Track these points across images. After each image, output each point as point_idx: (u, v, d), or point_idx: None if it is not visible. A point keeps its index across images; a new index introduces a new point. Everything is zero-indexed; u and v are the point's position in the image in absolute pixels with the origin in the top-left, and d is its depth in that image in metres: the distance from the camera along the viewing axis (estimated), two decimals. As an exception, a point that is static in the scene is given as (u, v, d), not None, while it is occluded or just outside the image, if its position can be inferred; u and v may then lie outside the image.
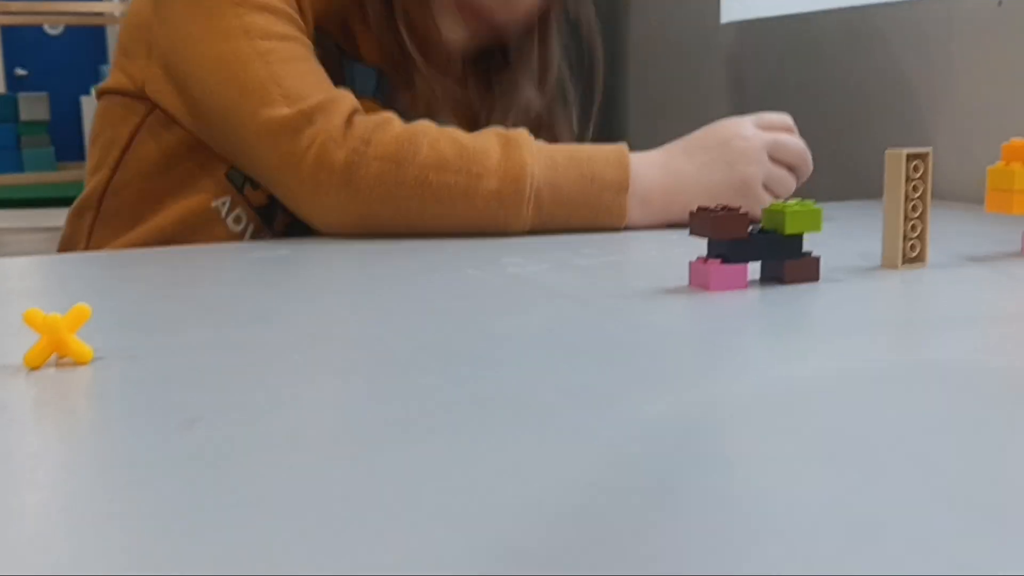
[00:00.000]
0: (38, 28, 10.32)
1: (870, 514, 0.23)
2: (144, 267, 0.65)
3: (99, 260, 0.70)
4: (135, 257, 0.70)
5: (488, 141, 0.74)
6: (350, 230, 0.74)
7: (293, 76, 0.74)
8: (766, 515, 0.24)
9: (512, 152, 0.73)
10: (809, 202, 0.52)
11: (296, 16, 0.78)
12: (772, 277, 0.52)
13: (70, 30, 10.63)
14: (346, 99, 0.75)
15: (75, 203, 0.86)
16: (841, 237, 0.66)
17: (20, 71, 10.18)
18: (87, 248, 0.84)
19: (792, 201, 0.51)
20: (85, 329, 0.39)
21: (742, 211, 0.50)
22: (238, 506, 0.25)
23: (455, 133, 0.74)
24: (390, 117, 0.74)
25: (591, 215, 0.74)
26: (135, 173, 0.82)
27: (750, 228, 0.51)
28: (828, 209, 0.58)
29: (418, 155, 0.72)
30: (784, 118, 0.80)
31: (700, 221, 0.50)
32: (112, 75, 0.83)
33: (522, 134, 0.75)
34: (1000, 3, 0.87)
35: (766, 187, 0.76)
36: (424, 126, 0.74)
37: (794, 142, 0.78)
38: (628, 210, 0.75)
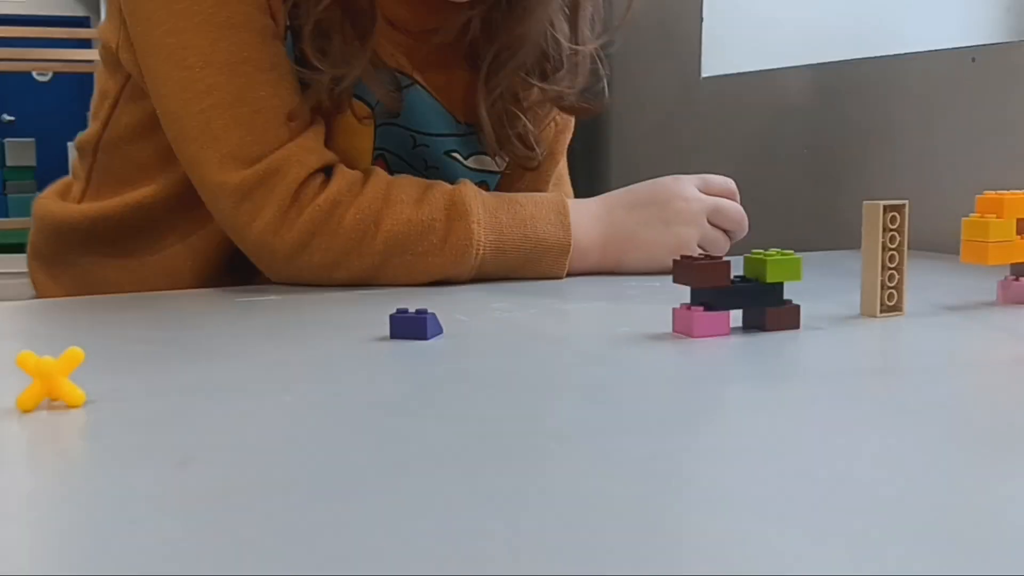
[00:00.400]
0: (27, 75, 10.39)
1: (849, 559, 0.24)
2: (131, 311, 0.65)
3: (87, 304, 0.70)
4: (122, 301, 0.70)
5: (435, 211, 0.72)
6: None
7: (229, 128, 0.69)
8: (747, 560, 0.24)
9: (457, 225, 0.71)
10: (789, 252, 0.53)
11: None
12: (754, 325, 0.53)
13: (58, 77, 10.71)
14: (299, 159, 0.70)
15: (79, 139, 0.85)
16: (821, 286, 0.68)
17: (7, 117, 10.21)
18: (84, 196, 0.83)
19: (773, 251, 0.53)
20: (77, 372, 0.39)
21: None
22: (232, 546, 0.25)
23: (404, 207, 0.71)
24: (341, 198, 0.71)
25: (532, 272, 0.75)
26: (121, 136, 0.80)
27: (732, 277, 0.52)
28: (809, 259, 0.60)
29: (366, 246, 0.71)
30: (727, 182, 0.81)
31: (683, 269, 0.52)
32: (103, 25, 0.80)
33: (467, 192, 0.73)
34: (973, 59, 0.89)
35: (700, 248, 0.78)
36: (378, 205, 0.71)
37: (734, 207, 0.79)
38: (566, 267, 0.76)
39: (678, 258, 0.52)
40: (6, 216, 7.55)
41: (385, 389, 0.42)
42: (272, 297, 0.69)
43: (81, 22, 10.65)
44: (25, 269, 0.95)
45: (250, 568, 0.24)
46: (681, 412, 0.39)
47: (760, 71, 1.17)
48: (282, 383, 0.44)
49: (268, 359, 0.49)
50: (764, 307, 0.52)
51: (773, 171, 1.15)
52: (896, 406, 0.39)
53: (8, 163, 7.55)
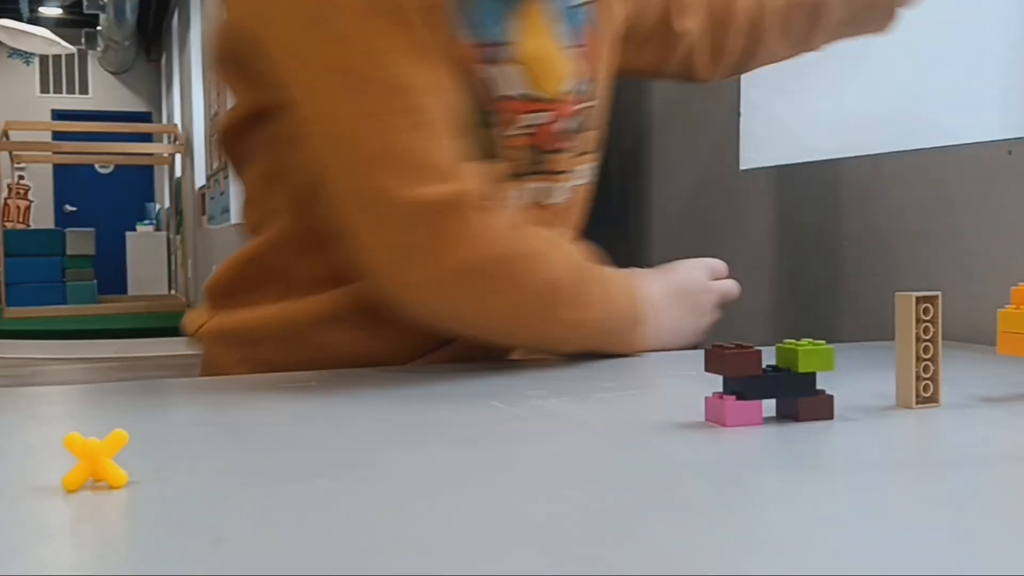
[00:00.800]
0: (89, 167, 10.80)
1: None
2: (177, 395, 0.67)
3: (135, 389, 0.72)
4: (169, 385, 0.72)
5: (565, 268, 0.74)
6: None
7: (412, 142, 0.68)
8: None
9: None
10: (821, 342, 0.53)
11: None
12: (787, 414, 0.53)
13: (120, 169, 11.10)
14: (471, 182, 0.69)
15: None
16: (857, 377, 0.67)
17: (69, 207, 10.60)
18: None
19: (805, 341, 0.53)
20: (122, 453, 0.41)
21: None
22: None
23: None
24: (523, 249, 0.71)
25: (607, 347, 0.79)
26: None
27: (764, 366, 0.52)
28: (845, 350, 0.60)
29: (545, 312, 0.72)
30: (724, 266, 0.87)
31: (716, 359, 0.52)
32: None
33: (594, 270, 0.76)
34: (1010, 152, 0.90)
35: None
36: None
37: (736, 290, 0.86)
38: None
39: (711, 347, 0.53)
40: (64, 303, 7.79)
41: (411, 473, 0.43)
42: (315, 383, 0.70)
43: (143, 117, 11.09)
44: (82, 355, 0.97)
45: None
46: (711, 501, 0.39)
47: (796, 164, 1.18)
48: (318, 466, 0.45)
49: (306, 442, 0.50)
50: (797, 397, 0.53)
51: (809, 262, 1.15)
52: (931, 499, 0.39)
53: (68, 252, 7.80)
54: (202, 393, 0.69)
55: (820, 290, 1.14)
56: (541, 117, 0.78)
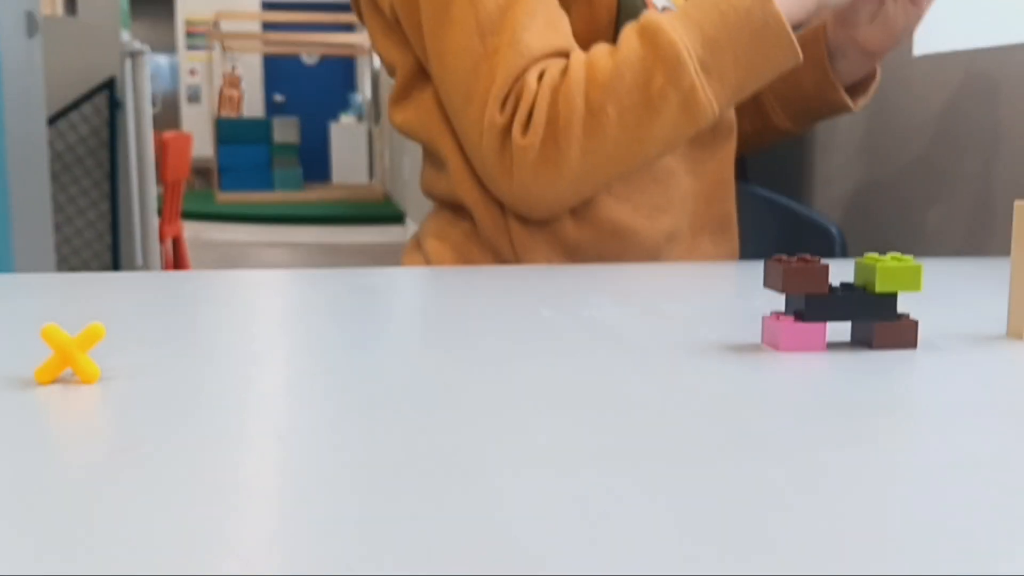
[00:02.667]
0: (296, 58, 11.20)
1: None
2: (170, 288, 0.66)
3: (126, 279, 0.72)
4: (146, 279, 0.71)
5: (629, 45, 0.74)
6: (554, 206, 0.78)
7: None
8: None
9: (656, 40, 0.73)
10: (908, 257, 0.45)
11: None
12: (861, 341, 0.46)
13: (324, 60, 11.45)
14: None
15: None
16: (963, 299, 0.58)
17: (278, 97, 11.08)
18: None
19: (888, 255, 0.45)
20: (103, 346, 0.39)
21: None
22: (225, 511, 0.23)
23: (597, 57, 0.74)
24: (531, 85, 0.74)
25: (758, 47, 0.74)
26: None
27: (833, 283, 0.45)
28: (958, 265, 0.51)
29: (576, 111, 0.73)
30: None
31: (774, 273, 0.45)
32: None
33: (652, 16, 0.74)
34: None
35: None
36: (570, 76, 0.74)
37: None
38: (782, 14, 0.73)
39: (771, 259, 0.46)
40: (272, 189, 8.22)
41: (407, 384, 0.40)
42: (364, 280, 0.68)
43: (346, 7, 11.29)
44: (287, 240, 1.03)
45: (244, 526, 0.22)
46: (742, 440, 0.33)
47: (976, 49, 1.04)
48: (307, 367, 0.42)
49: (305, 342, 0.48)
50: (872, 321, 0.45)
51: (979, 160, 1.01)
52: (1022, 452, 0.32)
53: (275, 140, 8.20)
54: (196, 284, 0.68)
55: (999, 186, 1.01)
56: None
